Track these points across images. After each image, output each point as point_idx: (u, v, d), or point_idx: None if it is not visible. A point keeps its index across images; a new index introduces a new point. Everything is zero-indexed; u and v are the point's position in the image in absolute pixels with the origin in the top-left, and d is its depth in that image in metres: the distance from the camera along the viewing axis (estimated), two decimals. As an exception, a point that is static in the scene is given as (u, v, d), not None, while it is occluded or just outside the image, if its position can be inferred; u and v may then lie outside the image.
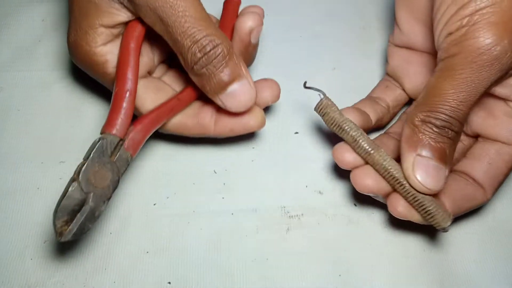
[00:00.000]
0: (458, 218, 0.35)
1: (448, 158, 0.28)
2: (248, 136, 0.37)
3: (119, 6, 0.29)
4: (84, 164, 0.27)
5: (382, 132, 0.37)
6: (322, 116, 0.31)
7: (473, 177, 0.31)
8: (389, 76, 0.38)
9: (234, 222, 0.34)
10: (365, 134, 0.30)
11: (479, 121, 0.32)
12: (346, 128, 0.30)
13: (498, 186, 0.31)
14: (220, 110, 0.31)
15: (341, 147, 0.31)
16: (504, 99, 0.30)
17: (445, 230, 0.29)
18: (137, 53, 0.30)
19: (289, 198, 0.35)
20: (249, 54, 0.33)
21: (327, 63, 0.42)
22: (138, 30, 0.30)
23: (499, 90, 0.29)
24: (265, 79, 0.33)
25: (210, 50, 0.27)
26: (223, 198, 0.35)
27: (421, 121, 0.27)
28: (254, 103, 0.30)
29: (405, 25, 0.35)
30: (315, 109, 0.31)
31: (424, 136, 0.27)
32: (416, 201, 0.28)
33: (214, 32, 0.28)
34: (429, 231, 0.34)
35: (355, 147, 0.30)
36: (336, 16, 0.45)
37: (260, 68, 0.41)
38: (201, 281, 0.32)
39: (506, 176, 0.32)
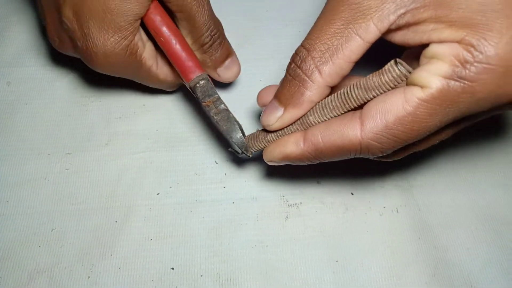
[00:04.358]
0: (452, 206, 0.36)
1: (285, 99, 0.27)
2: (248, 129, 0.38)
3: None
4: (219, 99, 0.32)
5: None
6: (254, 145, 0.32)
7: (361, 111, 0.25)
8: None
9: (235, 210, 0.35)
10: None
11: None
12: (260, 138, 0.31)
13: (385, 129, 0.24)
14: None
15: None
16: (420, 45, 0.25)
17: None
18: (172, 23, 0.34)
19: (288, 187, 0.36)
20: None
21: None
22: (161, 8, 0.33)
23: (412, 37, 0.24)
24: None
25: (214, 35, 0.34)
26: (224, 187, 0.36)
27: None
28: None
29: None
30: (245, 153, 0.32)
31: (286, 72, 0.27)
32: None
33: (214, 18, 0.34)
34: (424, 220, 0.35)
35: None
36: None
37: (259, 64, 0.42)
38: (203, 267, 0.33)
39: (400, 122, 0.24)
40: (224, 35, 0.36)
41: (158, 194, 0.36)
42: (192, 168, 0.37)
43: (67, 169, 0.36)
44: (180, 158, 0.37)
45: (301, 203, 0.36)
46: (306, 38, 0.26)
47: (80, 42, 0.32)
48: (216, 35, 0.34)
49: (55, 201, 0.35)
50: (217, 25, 0.35)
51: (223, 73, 0.36)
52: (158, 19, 0.32)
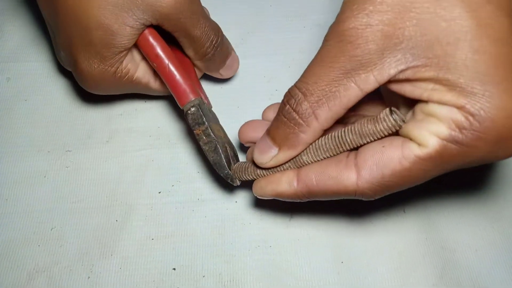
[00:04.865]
0: (460, 207, 0.35)
1: (280, 140, 0.27)
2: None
3: (134, 23, 0.31)
4: (209, 127, 0.32)
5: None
6: (244, 173, 0.31)
7: (357, 157, 0.26)
8: None
9: (238, 209, 0.35)
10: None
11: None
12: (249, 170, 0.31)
13: (381, 180, 0.25)
14: None
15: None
16: (417, 100, 0.25)
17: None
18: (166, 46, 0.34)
19: (292, 186, 0.36)
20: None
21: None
22: (154, 32, 0.33)
23: (410, 91, 0.25)
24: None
25: (215, 43, 0.35)
26: (227, 186, 0.36)
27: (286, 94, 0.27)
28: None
29: None
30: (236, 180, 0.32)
31: (279, 111, 0.27)
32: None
33: (212, 26, 0.34)
34: (431, 221, 0.35)
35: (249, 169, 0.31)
36: (339, 5, 0.44)
37: (262, 59, 0.41)
38: (205, 267, 0.33)
39: (395, 175, 0.25)
40: (223, 37, 0.36)
41: (159, 192, 0.35)
42: (194, 166, 0.36)
43: (67, 167, 0.36)
44: (182, 156, 0.37)
45: (305, 202, 0.35)
46: (301, 81, 0.26)
47: (71, 67, 0.33)
48: (217, 44, 0.35)
49: (54, 200, 0.35)
50: (217, 32, 0.35)
51: (225, 72, 0.38)
52: (150, 44, 0.32)
